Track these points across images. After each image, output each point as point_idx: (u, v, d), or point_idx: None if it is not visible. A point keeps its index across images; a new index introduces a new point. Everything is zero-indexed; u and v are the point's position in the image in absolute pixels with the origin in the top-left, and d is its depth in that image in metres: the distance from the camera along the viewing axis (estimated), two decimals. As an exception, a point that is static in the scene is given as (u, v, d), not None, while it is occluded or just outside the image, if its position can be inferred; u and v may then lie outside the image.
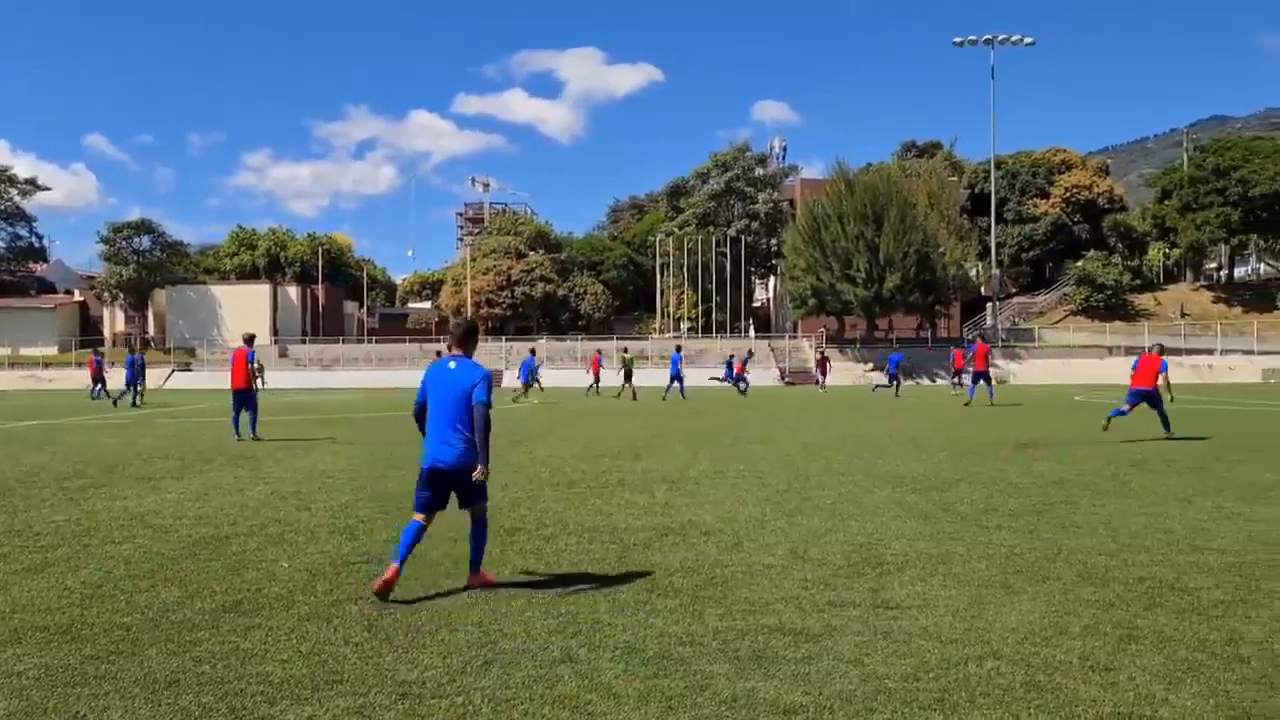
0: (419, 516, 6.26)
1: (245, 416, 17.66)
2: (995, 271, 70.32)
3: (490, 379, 6.28)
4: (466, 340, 6.52)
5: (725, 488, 10.86)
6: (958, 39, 66.26)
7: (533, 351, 41.85)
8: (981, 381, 29.44)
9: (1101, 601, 5.76)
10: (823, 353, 45.51)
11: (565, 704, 4.19)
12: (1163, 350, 17.95)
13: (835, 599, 5.87)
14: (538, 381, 39.17)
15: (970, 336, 41.15)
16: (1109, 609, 5.60)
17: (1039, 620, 5.36)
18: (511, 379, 43.03)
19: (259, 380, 18.17)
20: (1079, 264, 71.92)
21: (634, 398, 36.56)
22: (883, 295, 58.16)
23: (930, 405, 30.50)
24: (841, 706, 4.13)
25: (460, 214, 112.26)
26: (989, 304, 71.58)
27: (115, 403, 33.99)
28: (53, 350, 69.19)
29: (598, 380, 41.57)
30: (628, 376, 38.98)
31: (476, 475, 6.09)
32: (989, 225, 69.43)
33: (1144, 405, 17.02)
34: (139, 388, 34.93)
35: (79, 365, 59.05)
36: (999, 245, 71.76)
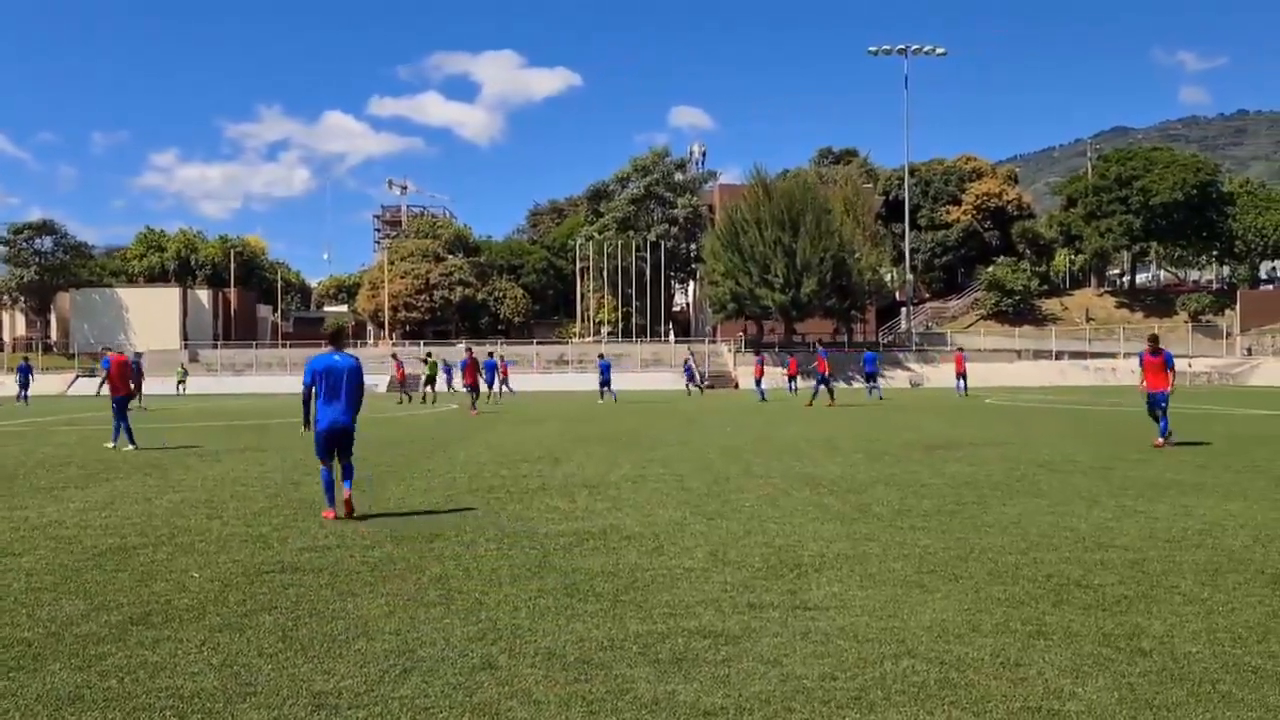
0: (325, 465, 9.20)
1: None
2: (909, 277, 71.84)
3: (361, 366, 9.28)
4: (338, 339, 9.58)
5: (646, 492, 10.88)
6: (872, 48, 67.60)
7: (491, 354, 41.63)
8: (822, 386, 32.63)
9: (1011, 599, 5.91)
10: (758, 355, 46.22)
11: (485, 711, 4.15)
12: (1156, 340, 16.13)
13: (754, 601, 5.92)
14: (506, 385, 39.38)
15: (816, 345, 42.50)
16: (1019, 606, 5.74)
17: (952, 618, 5.48)
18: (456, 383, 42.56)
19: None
20: (989, 270, 73.83)
21: (426, 401, 37.73)
22: (800, 300, 58.92)
23: (844, 408, 30.98)
24: (760, 707, 4.17)
25: (377, 217, 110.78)
26: (903, 308, 73.06)
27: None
28: None
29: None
30: (430, 381, 39.48)
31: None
32: (903, 231, 70.91)
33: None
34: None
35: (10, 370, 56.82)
36: (913, 251, 73.34)
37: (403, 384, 39.93)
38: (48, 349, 72.11)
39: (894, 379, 59.67)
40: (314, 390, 9.07)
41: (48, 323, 77.34)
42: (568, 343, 71.11)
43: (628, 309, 75.01)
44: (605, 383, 38.31)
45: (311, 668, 4.72)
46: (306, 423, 9.16)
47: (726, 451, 15.65)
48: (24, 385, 39.57)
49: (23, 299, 74.61)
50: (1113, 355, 61.03)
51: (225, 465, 14.21)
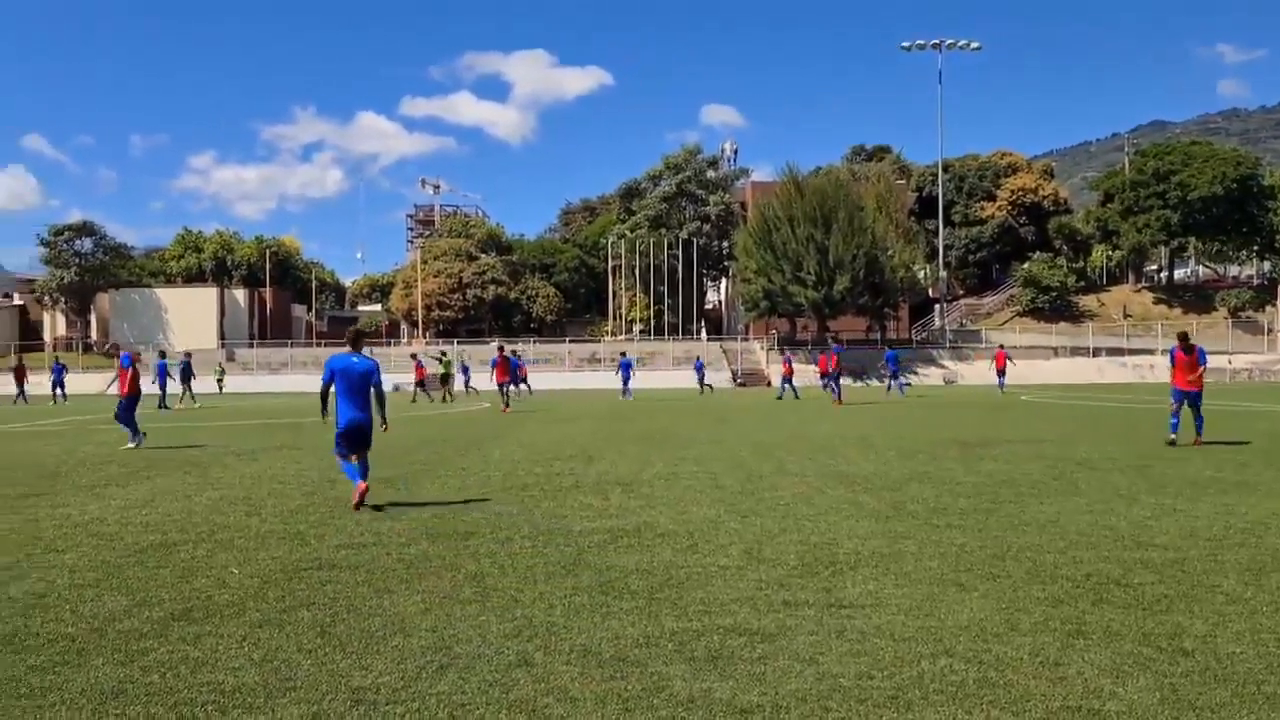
0: (346, 459, 9.74)
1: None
2: (943, 273, 71.30)
3: (379, 367, 9.78)
4: (356, 342, 10.06)
5: (679, 489, 10.88)
6: (905, 44, 67.14)
7: (514, 353, 42.02)
8: (832, 384, 32.50)
9: (1050, 598, 5.86)
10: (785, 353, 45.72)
11: (522, 708, 4.17)
12: (1187, 337, 15.68)
13: (790, 599, 5.90)
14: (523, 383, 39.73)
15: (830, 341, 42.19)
16: (1058, 605, 5.69)
17: (990, 617, 5.44)
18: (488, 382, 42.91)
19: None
20: (1025, 266, 73.17)
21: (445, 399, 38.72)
22: (832, 297, 58.73)
23: (877, 405, 30.82)
24: (796, 705, 4.15)
25: (410, 216, 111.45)
26: (937, 306, 72.55)
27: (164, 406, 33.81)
28: (17, 357, 67.58)
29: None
30: (445, 380, 40.15)
31: (382, 430, 9.84)
32: (937, 228, 70.39)
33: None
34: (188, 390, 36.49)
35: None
36: (947, 247, 72.80)
37: (421, 383, 40.37)
38: (88, 349, 73.15)
39: (928, 376, 59.33)
40: (331, 388, 9.58)
41: (88, 323, 78.38)
42: (600, 341, 71.20)
43: (660, 307, 74.99)
44: (626, 380, 39.41)
45: (350, 663, 4.76)
46: (324, 411, 9.85)
47: (759, 449, 15.62)
48: (59, 385, 40.44)
49: (63, 299, 75.60)
50: (1150, 352, 60.31)
51: (262, 463, 14.35)
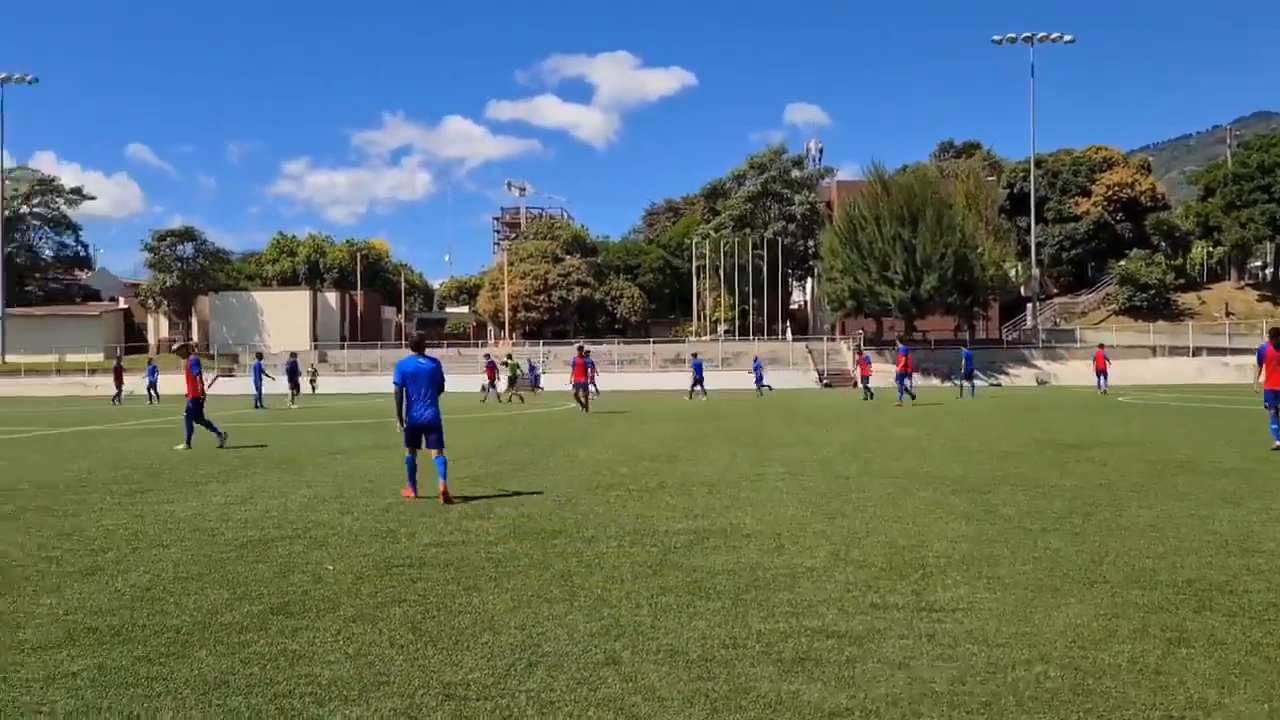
0: (410, 451, 10.42)
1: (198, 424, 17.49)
2: (1035, 272, 69.64)
3: (441, 366, 10.56)
4: (419, 346, 10.85)
5: (765, 490, 10.83)
6: (996, 37, 65.78)
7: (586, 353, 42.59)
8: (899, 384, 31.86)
9: (1150, 605, 5.69)
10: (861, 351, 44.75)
11: (610, 706, 4.19)
12: (1279, 333, 14.84)
13: (878, 601, 5.83)
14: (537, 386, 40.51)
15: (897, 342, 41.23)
16: (1158, 612, 5.52)
17: (1087, 624, 5.30)
18: (564, 382, 43.44)
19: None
20: (1121, 263, 71.09)
21: (519, 398, 39.26)
22: (920, 296, 57.83)
23: (964, 406, 30.26)
24: (887, 710, 4.11)
25: (496, 219, 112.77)
26: (1029, 304, 70.94)
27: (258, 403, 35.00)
28: (98, 357, 70.16)
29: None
30: (512, 381, 40.52)
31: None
32: (1029, 225, 68.82)
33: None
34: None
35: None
36: (1039, 245, 71.12)
37: (491, 384, 40.91)
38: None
39: (1019, 376, 58.08)
40: (404, 389, 10.25)
41: (189, 325, 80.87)
42: (684, 341, 71.17)
43: (744, 307, 74.68)
44: (698, 381, 39.39)
45: (441, 659, 4.84)
46: (400, 416, 10.30)
47: (845, 450, 15.45)
48: (153, 385, 41.88)
49: (166, 303, 78.11)
50: (1254, 351, 58.15)
51: (354, 462, 14.66)
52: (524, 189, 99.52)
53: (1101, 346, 44.44)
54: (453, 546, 7.68)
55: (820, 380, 59.13)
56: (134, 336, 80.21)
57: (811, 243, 77.44)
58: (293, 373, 37.67)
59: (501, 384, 41.36)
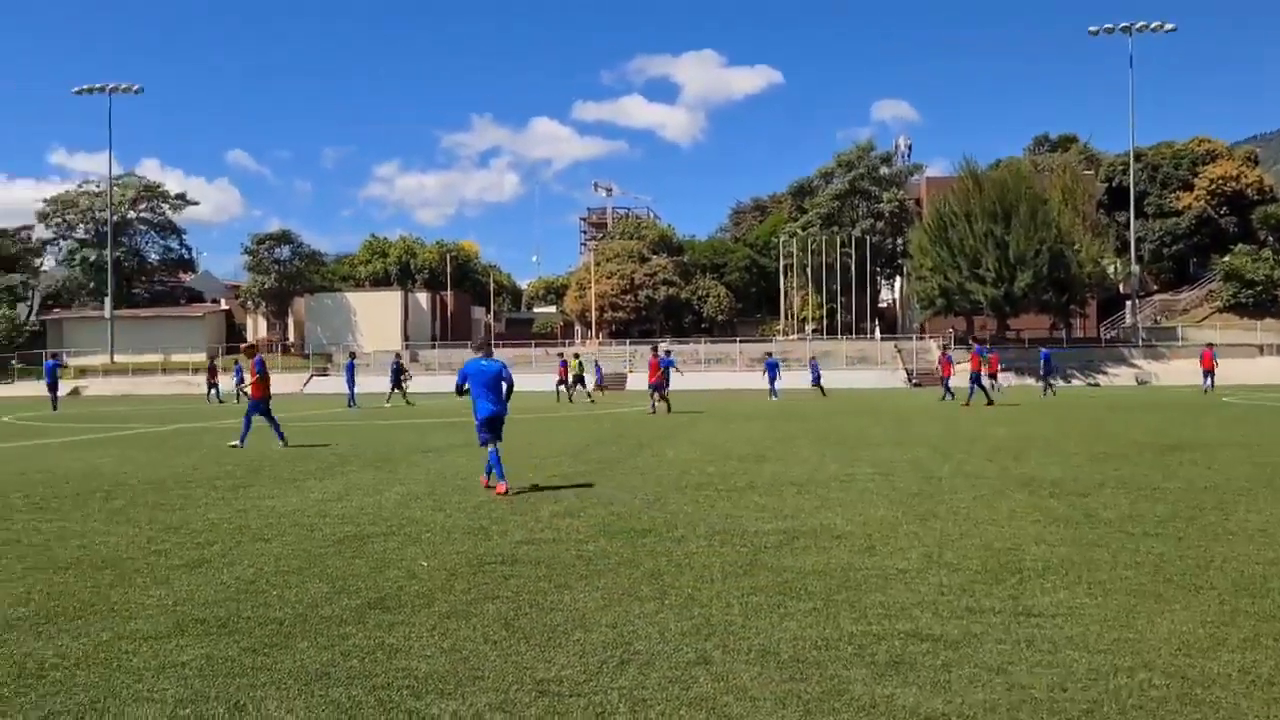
0: (489, 447, 11.00)
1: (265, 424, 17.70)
2: (1134, 268, 67.58)
3: (505, 367, 11.22)
4: (485, 348, 11.58)
5: (854, 491, 10.72)
6: (1093, 28, 64.05)
7: (668, 353, 42.69)
8: (977, 385, 30.82)
9: (1261, 613, 5.49)
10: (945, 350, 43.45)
11: (702, 705, 4.19)
12: None
13: (974, 605, 5.73)
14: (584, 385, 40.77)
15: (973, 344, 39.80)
16: (1270, 620, 5.33)
17: (1193, 631, 5.14)
18: (641, 381, 43.68)
19: (404, 385, 18.65)
20: (1226, 259, 68.58)
21: (588, 398, 39.79)
22: (1013, 294, 56.63)
23: (1060, 407, 29.51)
24: (984, 716, 4.03)
25: (583, 219, 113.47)
26: (1128, 302, 68.88)
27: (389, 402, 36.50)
28: (200, 356, 72.46)
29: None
30: (579, 380, 40.64)
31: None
32: (1128, 220, 66.83)
33: None
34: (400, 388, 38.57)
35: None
36: (1138, 241, 69.00)
37: (562, 382, 41.25)
38: (286, 350, 77.56)
39: (1118, 376, 56.50)
40: (465, 387, 11.13)
41: (286, 325, 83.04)
42: (771, 341, 70.76)
43: (832, 306, 73.97)
44: (773, 380, 39.43)
45: (534, 655, 4.89)
46: (460, 391, 11.24)
47: (936, 451, 15.20)
48: (239, 383, 43.46)
49: (264, 304, 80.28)
50: (1371, 350, 55.57)
51: (446, 460, 14.90)
52: (610, 189, 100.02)
53: (1210, 345, 43.01)
54: (544, 544, 7.76)
55: (909, 380, 58.25)
56: (234, 337, 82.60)
57: (900, 241, 76.32)
58: (397, 373, 38.58)
59: (589, 382, 41.74)
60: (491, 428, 11.03)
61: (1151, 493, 10.23)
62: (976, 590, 6.09)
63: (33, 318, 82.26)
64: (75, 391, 63.34)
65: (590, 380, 42.44)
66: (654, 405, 28.49)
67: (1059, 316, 63.14)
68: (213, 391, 44.55)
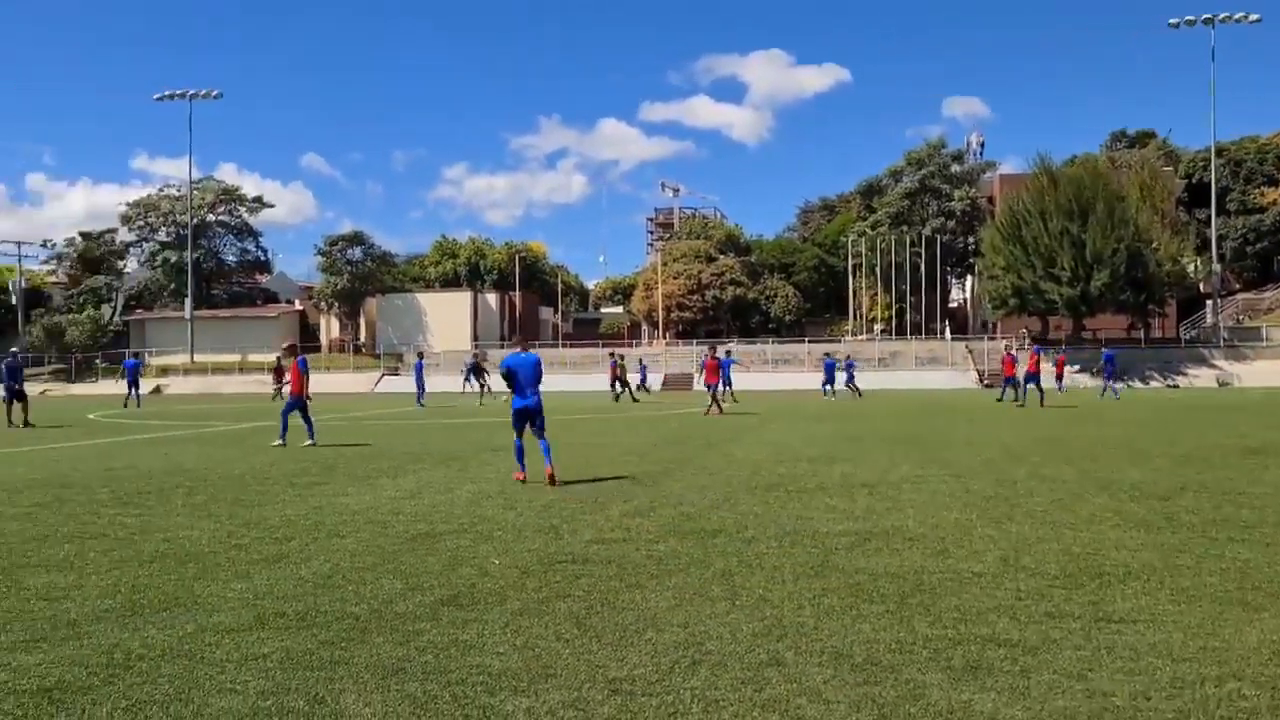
0: (517, 435, 11.96)
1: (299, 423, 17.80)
2: (1216, 267, 65.70)
3: (540, 360, 12.03)
4: (524, 343, 12.62)
5: (927, 492, 10.58)
6: (1173, 20, 62.41)
7: (727, 353, 42.63)
8: (1031, 385, 30.26)
9: (1355, 622, 5.30)
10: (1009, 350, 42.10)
11: (775, 707, 4.17)
12: None
13: (1052, 610, 5.62)
14: (641, 384, 40.98)
15: (1019, 344, 38.63)
16: (1364, 631, 5.14)
17: (1283, 640, 4.98)
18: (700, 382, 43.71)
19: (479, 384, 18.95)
20: (1313, 256, 66.37)
21: (633, 398, 39.94)
22: (1089, 294, 55.43)
23: (1139, 408, 28.81)
24: (1065, 723, 3.95)
25: (650, 219, 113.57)
26: (1209, 301, 67.00)
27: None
28: (276, 356, 73.90)
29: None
30: (623, 381, 40.65)
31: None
32: (1208, 217, 65.02)
33: None
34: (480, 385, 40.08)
35: (328, 369, 63.00)
36: (1220, 238, 67.08)
37: (618, 381, 41.42)
38: (357, 350, 78.83)
39: (1198, 377, 55.03)
40: (512, 377, 11.76)
41: (358, 326, 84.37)
42: (840, 341, 70.17)
43: (901, 305, 73.11)
44: (829, 380, 39.17)
45: (606, 654, 4.91)
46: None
47: (1010, 453, 14.94)
48: (277, 382, 44.66)
49: (337, 304, 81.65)
50: None
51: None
52: (677, 189, 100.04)
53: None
54: (614, 544, 7.78)
55: (980, 380, 57.33)
56: (308, 337, 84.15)
57: (972, 239, 75.12)
58: (477, 372, 39.17)
59: (637, 381, 41.95)
60: (527, 418, 11.82)
61: (1236, 497, 9.94)
62: (1055, 595, 5.97)
63: (116, 318, 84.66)
64: (157, 390, 65.11)
65: (636, 379, 42.72)
66: (712, 407, 27.74)
67: (1137, 316, 61.67)
68: (278, 391, 45.52)
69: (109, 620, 5.62)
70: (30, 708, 4.23)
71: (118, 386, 57.39)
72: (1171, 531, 8.07)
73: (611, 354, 47.21)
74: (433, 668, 4.72)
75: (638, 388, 44.29)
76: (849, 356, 46.77)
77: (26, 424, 24.53)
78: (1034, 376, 30.30)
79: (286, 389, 18.34)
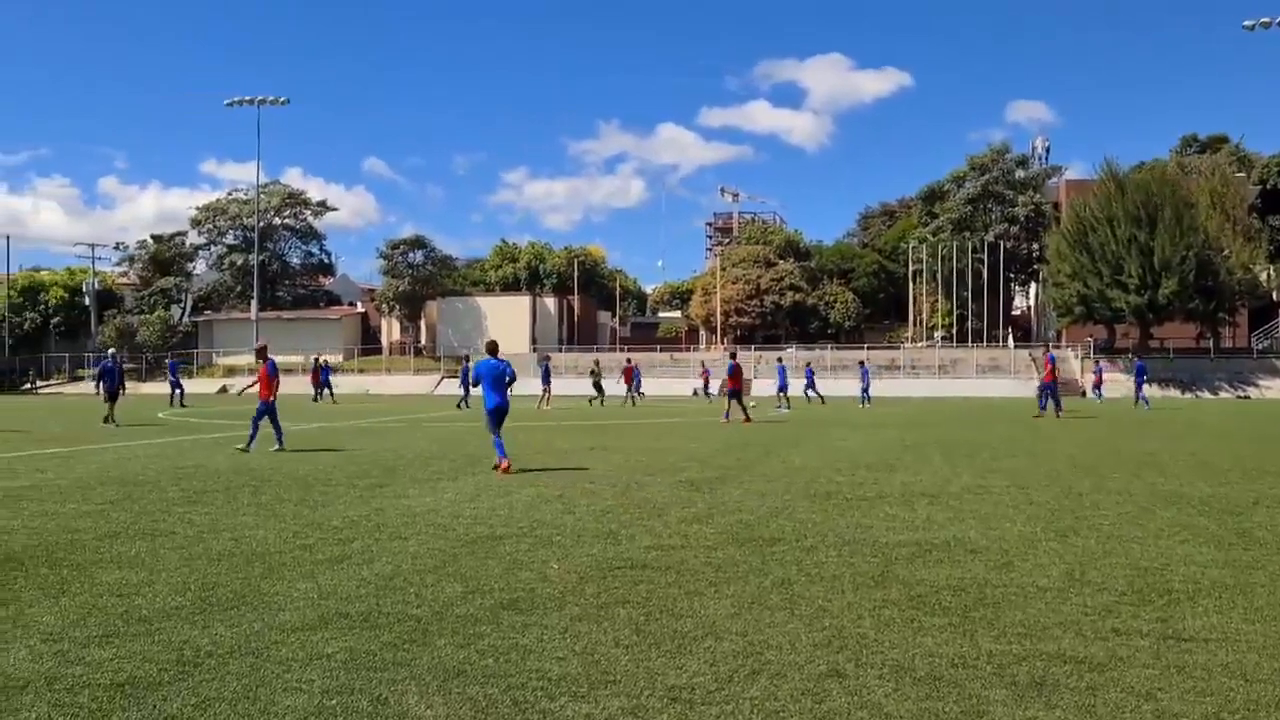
0: (496, 434, 13.58)
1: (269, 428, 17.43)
2: (1290, 275, 63.97)
3: (510, 364, 13.85)
4: (494, 350, 13.95)
5: (989, 504, 10.43)
6: (1247, 22, 60.89)
7: (741, 357, 42.43)
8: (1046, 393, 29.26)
9: None
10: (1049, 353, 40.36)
11: None
12: None
13: (1119, 627, 5.51)
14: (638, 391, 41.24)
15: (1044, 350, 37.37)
16: None
17: (1362, 663, 4.83)
18: (767, 388, 43.71)
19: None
20: (1393, 265, 64.40)
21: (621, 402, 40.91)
22: (1157, 302, 54.27)
23: (1208, 419, 28.13)
24: (1134, 743, 3.87)
25: (709, 224, 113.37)
26: (1283, 310, 65.27)
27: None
28: (338, 358, 75.01)
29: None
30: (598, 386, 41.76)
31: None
32: (1283, 224, 63.33)
33: None
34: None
35: (389, 371, 63.58)
36: (1295, 246, 65.28)
37: (706, 387, 41.52)
38: (418, 352, 79.73)
39: (1270, 389, 53.60)
40: (479, 381, 13.76)
41: (419, 328, 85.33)
42: (899, 347, 69.47)
43: (962, 312, 72.19)
44: (782, 387, 37.98)
45: (664, 662, 4.91)
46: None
47: (1075, 463, 14.68)
48: (326, 385, 45.35)
49: (398, 307, 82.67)
50: None
51: (574, 462, 15.06)
52: (736, 194, 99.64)
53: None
54: (672, 550, 7.78)
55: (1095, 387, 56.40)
56: (369, 339, 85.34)
57: (1036, 246, 73.94)
58: (546, 375, 39.59)
59: (699, 387, 41.91)
60: (498, 416, 13.59)
61: (1312, 513, 9.67)
62: (1122, 611, 5.86)
63: (185, 319, 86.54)
64: (223, 389, 66.40)
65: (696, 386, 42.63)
66: (728, 412, 26.56)
67: (1207, 325, 60.26)
68: (323, 391, 45.69)
69: (179, 617, 5.74)
70: (104, 701, 4.34)
71: (189, 386, 58.61)
72: (1244, 548, 7.87)
73: (628, 360, 47.49)
74: (493, 671, 4.75)
75: (703, 393, 44.05)
76: (809, 363, 45.87)
77: (109, 420, 24.90)
78: (1050, 386, 29.59)
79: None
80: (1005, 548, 7.87)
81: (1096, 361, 44.83)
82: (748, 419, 26.02)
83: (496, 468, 13.45)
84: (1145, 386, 39.02)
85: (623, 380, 43.07)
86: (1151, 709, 4.24)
